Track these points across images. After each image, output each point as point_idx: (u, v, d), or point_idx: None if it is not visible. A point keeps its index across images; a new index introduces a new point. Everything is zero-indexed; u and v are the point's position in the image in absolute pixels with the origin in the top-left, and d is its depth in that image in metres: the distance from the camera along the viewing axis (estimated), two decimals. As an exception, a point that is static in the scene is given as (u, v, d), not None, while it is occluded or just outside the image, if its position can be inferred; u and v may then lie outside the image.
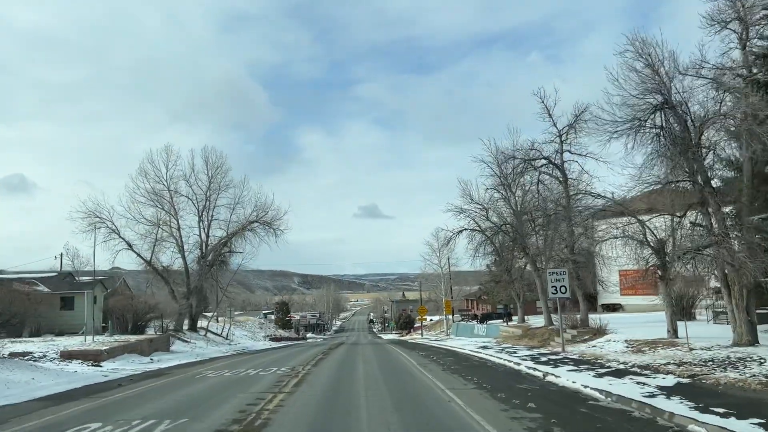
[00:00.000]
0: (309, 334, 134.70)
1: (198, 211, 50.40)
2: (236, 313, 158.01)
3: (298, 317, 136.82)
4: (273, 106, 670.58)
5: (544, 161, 29.54)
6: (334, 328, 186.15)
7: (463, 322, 60.08)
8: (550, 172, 30.14)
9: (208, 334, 50.89)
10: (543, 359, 21.98)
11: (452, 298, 60.96)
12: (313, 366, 22.31)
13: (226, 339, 53.13)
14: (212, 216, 51.11)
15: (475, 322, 56.27)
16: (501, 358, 23.74)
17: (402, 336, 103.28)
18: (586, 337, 27.22)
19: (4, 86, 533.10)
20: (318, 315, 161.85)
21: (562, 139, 29.31)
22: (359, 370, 20.11)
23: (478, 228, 41.45)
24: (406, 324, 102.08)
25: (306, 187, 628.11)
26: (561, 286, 24.31)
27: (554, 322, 35.90)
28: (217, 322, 63.05)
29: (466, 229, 41.43)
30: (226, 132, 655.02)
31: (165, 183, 49.40)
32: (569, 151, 29.30)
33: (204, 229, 50.77)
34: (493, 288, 45.45)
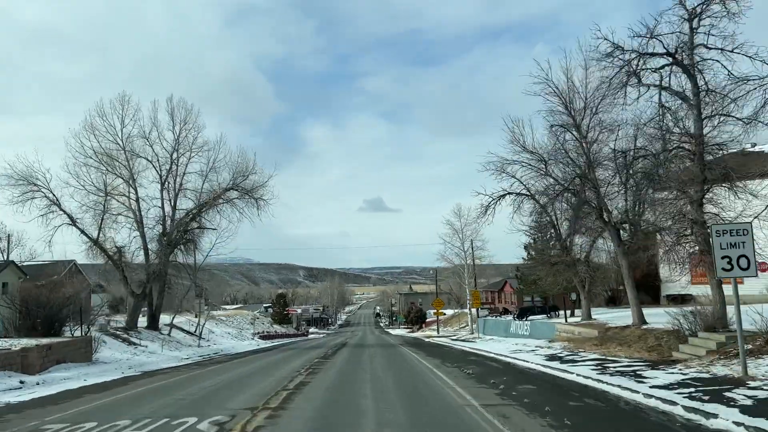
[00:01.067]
0: (311, 329, 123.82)
1: (161, 178, 39.23)
2: (236, 306, 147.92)
3: (299, 311, 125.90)
4: (278, 100, 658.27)
5: (665, 60, 17.95)
6: (339, 322, 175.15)
7: (491, 318, 48.75)
8: (667, 82, 18.61)
9: (175, 333, 39.80)
10: (742, 400, 10.65)
11: (476, 286, 49.62)
12: (275, 411, 11.05)
13: (200, 339, 42.03)
14: (180, 185, 39.97)
15: (510, 317, 44.90)
16: (637, 392, 12.31)
17: (413, 332, 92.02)
18: (749, 346, 16.02)
19: (9, 81, 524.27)
20: (321, 308, 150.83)
21: (693, 25, 17.82)
22: (368, 426, 8.88)
23: (526, 192, 30.12)
24: (418, 318, 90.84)
25: (312, 181, 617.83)
26: (740, 257, 12.97)
27: (647, 320, 24.63)
28: (196, 317, 52.00)
29: (510, 193, 30.08)
30: (231, 126, 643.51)
31: (120, 142, 38.31)
32: (704, 45, 17.80)
33: (169, 200, 39.65)
34: (547, 273, 33.98)
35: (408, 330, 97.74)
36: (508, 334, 39.53)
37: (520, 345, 29.88)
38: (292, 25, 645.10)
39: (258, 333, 58.51)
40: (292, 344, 48.54)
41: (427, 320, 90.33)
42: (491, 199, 30.19)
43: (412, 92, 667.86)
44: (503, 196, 30.14)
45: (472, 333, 48.19)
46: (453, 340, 44.14)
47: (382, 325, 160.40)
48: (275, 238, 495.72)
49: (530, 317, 39.85)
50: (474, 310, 49.80)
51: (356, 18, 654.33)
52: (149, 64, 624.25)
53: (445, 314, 70.68)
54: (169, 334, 37.28)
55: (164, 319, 41.00)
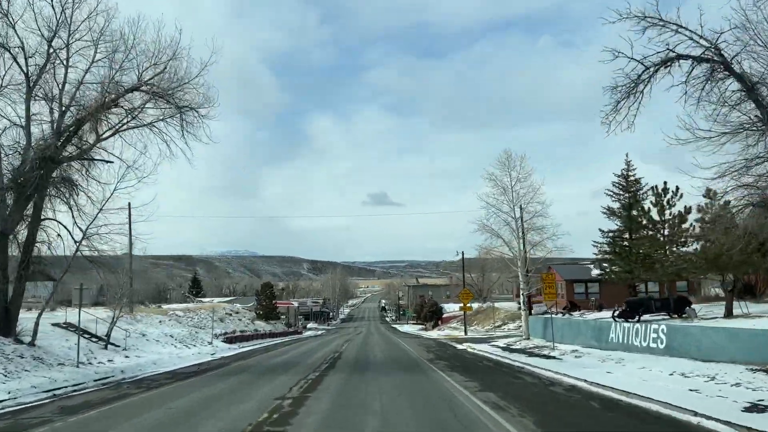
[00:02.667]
0: (309, 324, 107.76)
1: (27, 80, 22.80)
2: (228, 299, 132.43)
3: (296, 304, 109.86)
4: (283, 93, 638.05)
5: None
6: (341, 316, 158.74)
7: (559, 316, 32.36)
8: None
9: (61, 340, 23.58)
10: None
11: (528, 273, 33.20)
12: None
13: (107, 347, 25.83)
14: (73, 97, 23.57)
15: (585, 315, 28.58)
16: None
17: (426, 329, 75.68)
18: None
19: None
20: (322, 301, 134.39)
21: None
22: None
23: (718, 58, 13.80)
24: (433, 314, 74.34)
25: (316, 174, 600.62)
26: None
27: None
28: (130, 312, 36.14)
29: (683, 57, 13.75)
30: (236, 119, 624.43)
31: (-36, 22, 21.92)
32: None
33: (52, 123, 23.27)
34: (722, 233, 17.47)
35: (420, 327, 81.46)
36: (605, 345, 23.23)
37: (704, 379, 13.63)
38: (297, 16, 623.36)
39: (225, 334, 42.30)
40: (263, 352, 32.39)
41: (444, 316, 74.06)
42: (644, 66, 13.85)
43: (418, 85, 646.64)
44: (670, 61, 13.82)
45: (528, 338, 31.86)
46: (505, 351, 27.82)
47: (388, 320, 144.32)
48: (279, 231, 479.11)
49: (645, 315, 23.45)
50: (522, 305, 33.32)
51: (362, 9, 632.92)
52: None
53: (472, 308, 54.12)
54: (31, 343, 20.99)
55: (63, 315, 24.83)
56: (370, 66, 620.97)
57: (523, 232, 33.33)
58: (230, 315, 53.67)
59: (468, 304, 47.58)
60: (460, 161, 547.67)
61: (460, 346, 33.17)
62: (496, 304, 61.53)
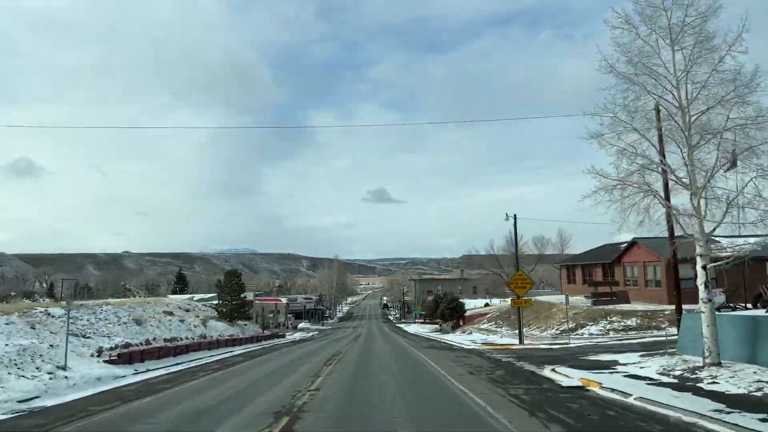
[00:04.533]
0: (301, 324, 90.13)
1: None
2: (211, 294, 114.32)
3: (285, 300, 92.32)
4: (284, 89, 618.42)
5: None
6: (339, 314, 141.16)
7: (761, 313, 14.76)
8: None
9: None
10: None
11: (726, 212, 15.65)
12: None
13: None
14: None
15: None
16: None
17: (441, 331, 57.99)
18: None
19: (13, 68, 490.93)
20: (317, 298, 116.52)
21: None
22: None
23: None
24: (452, 311, 56.46)
25: (317, 171, 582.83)
26: None
27: None
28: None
29: None
30: (238, 115, 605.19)
31: None
32: None
33: None
34: None
35: (433, 327, 63.84)
36: None
37: None
38: (296, 11, 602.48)
39: (128, 346, 24.78)
40: (141, 397, 14.85)
41: (467, 314, 56.36)
42: None
43: (419, 81, 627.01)
44: None
45: (718, 363, 14.18)
46: (742, 411, 10.21)
47: (391, 318, 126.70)
48: (279, 229, 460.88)
49: None
50: (704, 289, 15.74)
51: (363, 4, 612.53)
52: (156, 52, 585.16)
53: (486, 304, 35.99)
54: None
55: None
56: (370, 62, 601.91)
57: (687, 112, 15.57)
58: (169, 314, 36.02)
59: (523, 297, 29.85)
60: (460, 157, 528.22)
61: (563, 380, 15.45)
62: (542, 298, 43.95)
